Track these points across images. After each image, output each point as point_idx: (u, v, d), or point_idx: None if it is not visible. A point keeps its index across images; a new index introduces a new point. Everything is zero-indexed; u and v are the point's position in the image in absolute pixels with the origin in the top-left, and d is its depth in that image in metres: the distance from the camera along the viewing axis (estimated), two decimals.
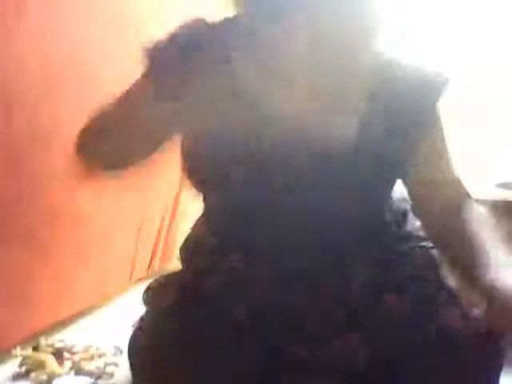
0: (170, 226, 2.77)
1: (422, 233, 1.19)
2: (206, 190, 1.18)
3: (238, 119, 1.05)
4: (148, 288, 1.17)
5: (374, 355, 0.99)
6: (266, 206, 1.11)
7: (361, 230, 1.12)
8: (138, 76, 1.24)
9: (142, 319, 1.09)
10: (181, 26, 1.07)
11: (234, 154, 1.08)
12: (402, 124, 1.14)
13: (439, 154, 1.21)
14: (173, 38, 1.08)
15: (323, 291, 1.06)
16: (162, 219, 2.71)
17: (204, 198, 1.21)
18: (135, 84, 1.15)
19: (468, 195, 1.18)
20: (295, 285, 1.06)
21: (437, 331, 0.99)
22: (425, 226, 1.20)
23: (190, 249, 1.22)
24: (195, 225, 1.25)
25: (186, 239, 1.25)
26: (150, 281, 1.19)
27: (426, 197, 1.19)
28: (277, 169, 1.09)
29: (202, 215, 1.24)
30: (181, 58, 1.04)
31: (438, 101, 1.19)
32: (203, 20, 1.07)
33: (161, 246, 2.75)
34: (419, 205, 1.20)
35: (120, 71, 2.17)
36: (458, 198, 1.17)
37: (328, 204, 1.10)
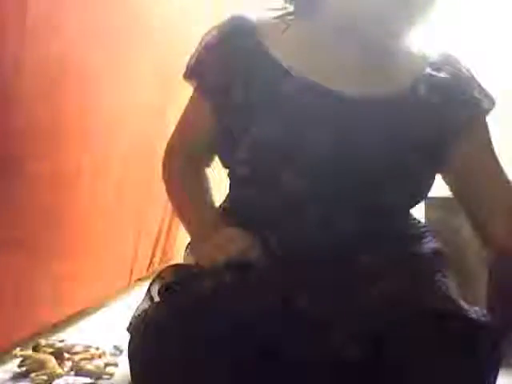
0: (170, 226, 2.77)
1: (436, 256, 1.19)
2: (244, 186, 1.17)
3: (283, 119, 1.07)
4: (152, 283, 1.15)
5: (373, 344, 0.99)
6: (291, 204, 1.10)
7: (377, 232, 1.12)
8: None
9: (139, 318, 1.08)
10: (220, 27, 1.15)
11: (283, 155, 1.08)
12: (432, 132, 1.12)
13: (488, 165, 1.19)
14: (212, 46, 1.14)
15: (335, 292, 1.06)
16: (162, 219, 2.71)
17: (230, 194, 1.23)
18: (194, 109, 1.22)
19: None
20: (299, 285, 1.06)
21: (435, 330, 0.99)
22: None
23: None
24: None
25: None
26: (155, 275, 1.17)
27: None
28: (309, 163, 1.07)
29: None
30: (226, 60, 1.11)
31: (478, 119, 1.18)
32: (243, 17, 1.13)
33: (161, 246, 2.75)
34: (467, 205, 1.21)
35: (120, 69, 2.17)
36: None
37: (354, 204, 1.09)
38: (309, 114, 1.09)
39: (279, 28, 1.14)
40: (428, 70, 1.15)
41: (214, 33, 1.15)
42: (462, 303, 1.04)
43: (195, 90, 1.19)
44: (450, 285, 1.11)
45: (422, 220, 1.28)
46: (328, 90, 1.09)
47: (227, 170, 1.20)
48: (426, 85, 1.13)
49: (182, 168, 1.27)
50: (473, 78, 1.18)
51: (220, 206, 1.25)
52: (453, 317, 1.01)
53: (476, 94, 1.16)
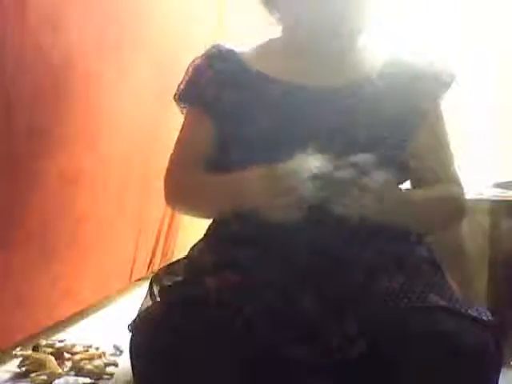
0: (169, 225, 2.77)
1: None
2: None
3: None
4: (153, 282, 1.15)
5: (372, 345, 1.00)
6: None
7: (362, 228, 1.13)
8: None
9: (141, 317, 1.09)
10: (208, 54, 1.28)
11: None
12: (402, 110, 1.19)
13: (438, 148, 1.23)
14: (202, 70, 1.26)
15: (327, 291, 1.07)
16: (162, 219, 2.71)
17: None
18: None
19: (462, 196, 1.24)
20: (301, 285, 1.07)
21: (436, 331, 0.99)
22: None
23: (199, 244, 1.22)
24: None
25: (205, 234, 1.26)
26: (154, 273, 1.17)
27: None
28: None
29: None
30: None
31: (441, 95, 1.23)
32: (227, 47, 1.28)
33: (161, 246, 2.75)
34: None
35: (122, 70, 2.18)
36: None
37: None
38: (294, 110, 1.18)
39: (253, 48, 1.30)
40: (394, 56, 1.25)
41: (199, 59, 1.29)
42: (464, 302, 1.04)
43: (191, 108, 1.28)
44: (451, 284, 1.12)
45: None
46: (306, 88, 1.20)
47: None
48: (395, 67, 1.23)
49: (187, 175, 1.26)
50: (435, 58, 1.27)
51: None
52: (455, 315, 1.01)
53: (440, 70, 1.25)
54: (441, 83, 1.24)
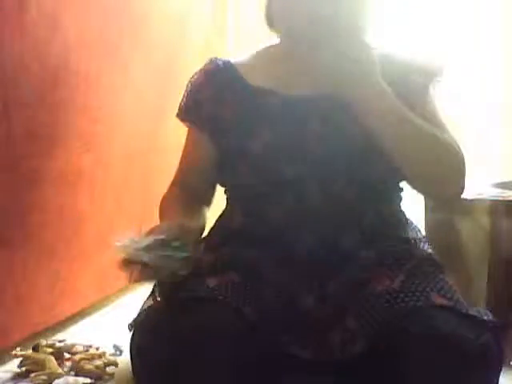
0: None
1: (423, 242, 1.21)
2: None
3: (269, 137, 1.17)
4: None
5: (373, 345, 1.00)
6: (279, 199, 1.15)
7: (363, 227, 1.14)
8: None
9: (141, 316, 1.09)
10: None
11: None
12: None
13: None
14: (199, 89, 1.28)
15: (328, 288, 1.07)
16: None
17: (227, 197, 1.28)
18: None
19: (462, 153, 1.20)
20: (302, 285, 1.07)
21: (437, 331, 0.99)
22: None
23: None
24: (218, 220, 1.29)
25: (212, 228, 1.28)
26: None
27: None
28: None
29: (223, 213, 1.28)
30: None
31: (430, 86, 1.23)
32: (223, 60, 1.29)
33: None
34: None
35: (121, 69, 2.18)
36: None
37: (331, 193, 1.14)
38: (293, 122, 1.18)
39: (251, 56, 1.30)
40: (383, 51, 1.24)
41: (198, 74, 1.30)
42: (464, 302, 1.04)
43: (191, 125, 1.30)
44: (451, 284, 1.12)
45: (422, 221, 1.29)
46: (304, 98, 1.20)
47: (228, 187, 1.27)
48: (384, 61, 1.19)
49: (176, 195, 1.30)
50: (423, 51, 1.30)
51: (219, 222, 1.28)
52: (455, 315, 1.01)
53: (428, 62, 1.26)
54: (429, 74, 1.24)
